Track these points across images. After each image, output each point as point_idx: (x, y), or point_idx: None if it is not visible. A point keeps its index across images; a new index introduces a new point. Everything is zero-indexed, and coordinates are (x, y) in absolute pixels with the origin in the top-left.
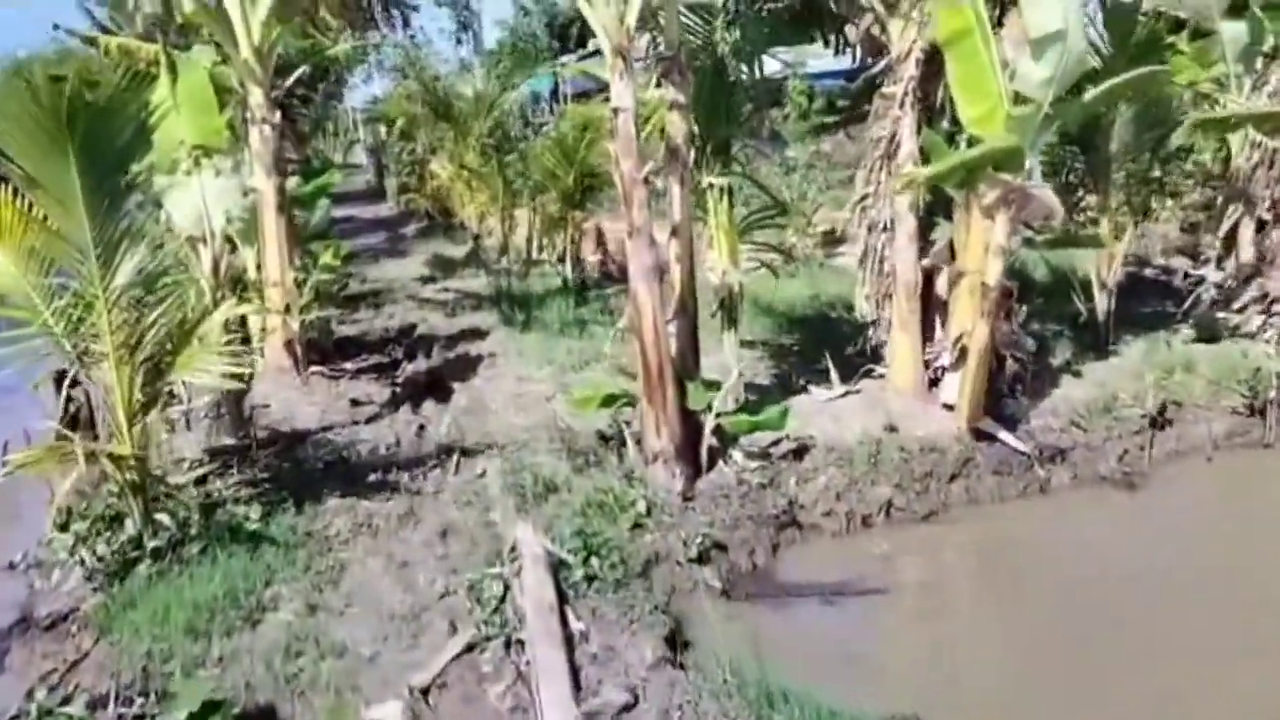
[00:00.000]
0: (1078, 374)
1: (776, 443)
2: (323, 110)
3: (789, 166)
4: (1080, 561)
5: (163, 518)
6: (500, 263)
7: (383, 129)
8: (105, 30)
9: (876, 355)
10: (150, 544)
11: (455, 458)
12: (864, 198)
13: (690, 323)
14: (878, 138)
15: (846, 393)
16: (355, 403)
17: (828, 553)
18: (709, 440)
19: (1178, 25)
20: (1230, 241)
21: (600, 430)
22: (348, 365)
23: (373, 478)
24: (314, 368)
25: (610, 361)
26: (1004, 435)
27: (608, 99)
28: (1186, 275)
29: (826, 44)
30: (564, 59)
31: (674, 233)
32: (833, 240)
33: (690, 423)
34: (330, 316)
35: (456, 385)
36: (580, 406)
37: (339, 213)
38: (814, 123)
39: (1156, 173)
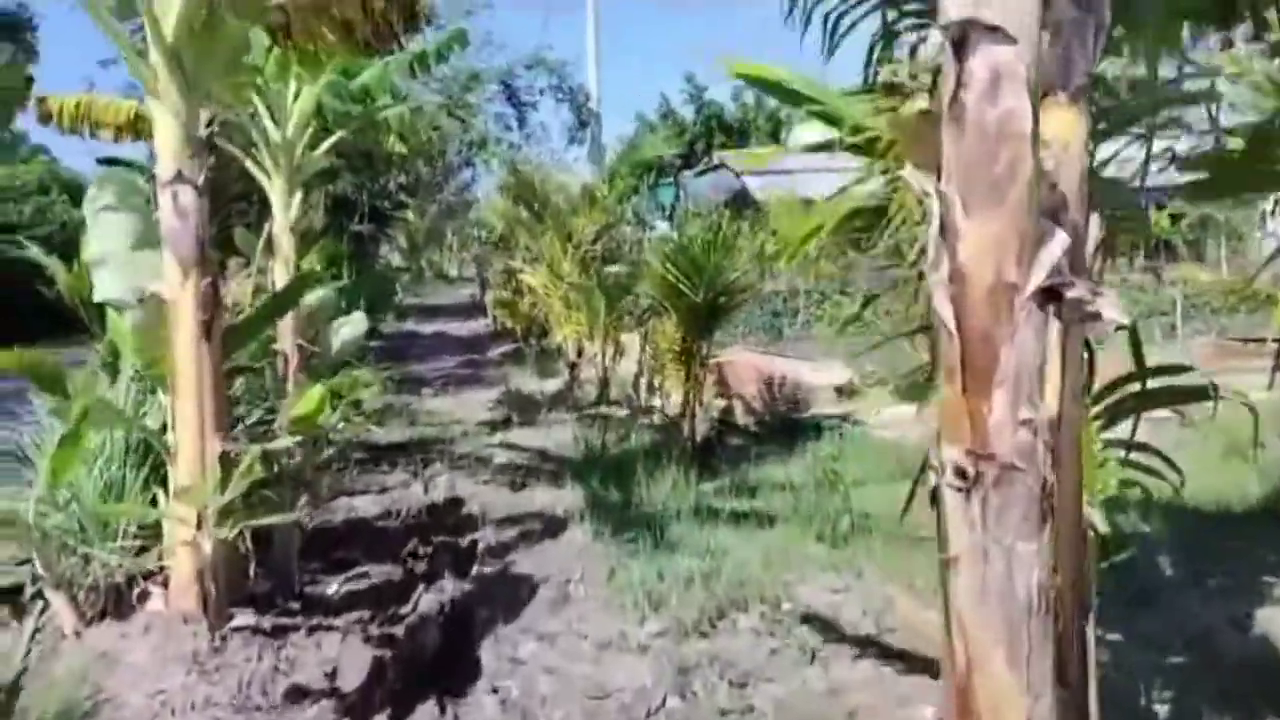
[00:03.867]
0: None
1: None
2: (437, 216)
3: None
4: None
5: None
6: (599, 405)
7: (482, 235)
8: None
9: None
10: None
11: None
12: None
13: None
14: None
15: None
16: (298, 694)
17: None
18: None
19: None
20: None
21: None
22: (331, 588)
23: None
24: (239, 616)
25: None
26: None
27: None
28: None
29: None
30: (686, 173)
31: None
32: None
33: None
34: (298, 515)
35: (489, 650)
36: None
37: (429, 328)
38: None
39: None
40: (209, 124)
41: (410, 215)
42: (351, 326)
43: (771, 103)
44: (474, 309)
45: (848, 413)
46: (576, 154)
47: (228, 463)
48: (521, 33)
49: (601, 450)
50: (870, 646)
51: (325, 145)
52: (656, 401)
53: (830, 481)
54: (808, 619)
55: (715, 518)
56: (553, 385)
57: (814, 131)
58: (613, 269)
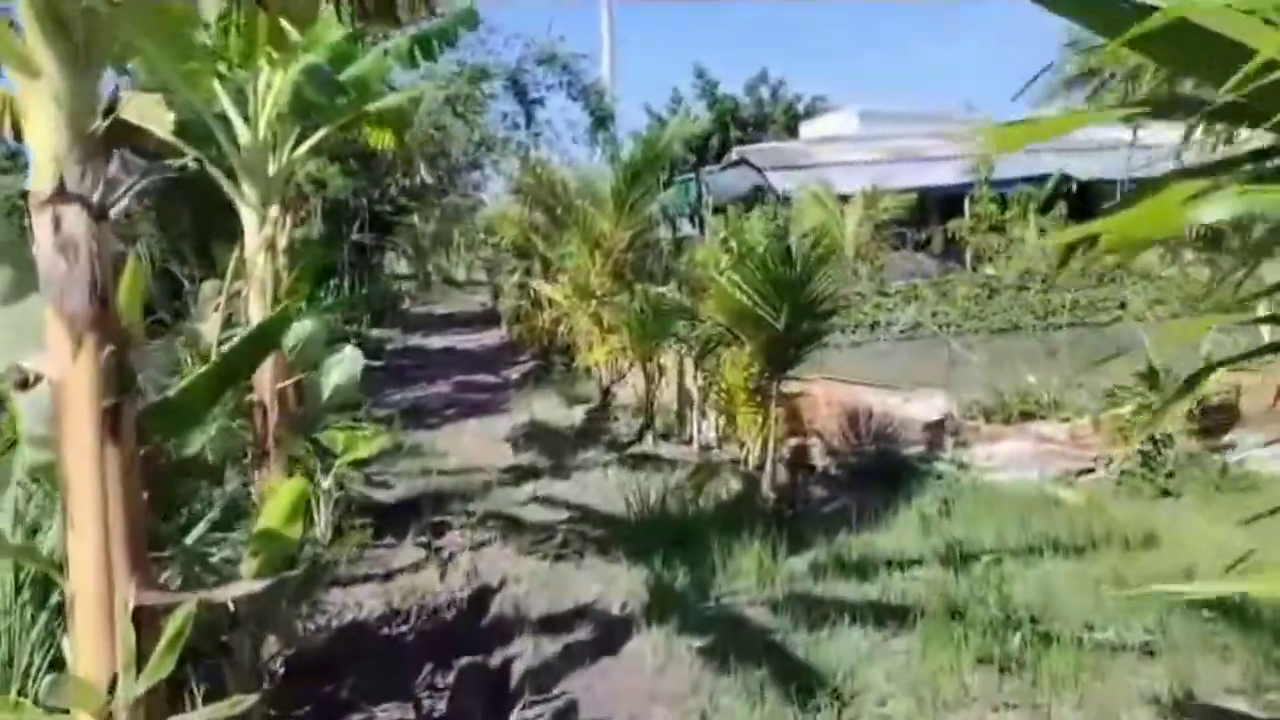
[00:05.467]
0: None
1: None
2: (443, 219)
3: (991, 288)
4: None
5: None
6: (641, 440)
7: (489, 239)
8: None
9: None
10: None
11: None
12: None
13: None
14: None
15: None
16: None
17: None
18: None
19: None
20: None
21: None
22: None
23: None
24: None
25: None
26: None
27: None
28: None
29: None
30: (705, 169)
31: None
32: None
33: None
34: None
35: None
36: None
37: (438, 342)
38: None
39: None
40: (108, 112)
41: (415, 220)
42: (346, 364)
43: (789, 94)
44: (486, 318)
45: (950, 454)
46: (590, 153)
47: (150, 621)
48: (524, 23)
49: (661, 509)
50: None
51: (307, 144)
52: (711, 436)
53: (959, 557)
54: None
55: (824, 616)
56: (581, 412)
57: (835, 120)
58: (661, 289)
